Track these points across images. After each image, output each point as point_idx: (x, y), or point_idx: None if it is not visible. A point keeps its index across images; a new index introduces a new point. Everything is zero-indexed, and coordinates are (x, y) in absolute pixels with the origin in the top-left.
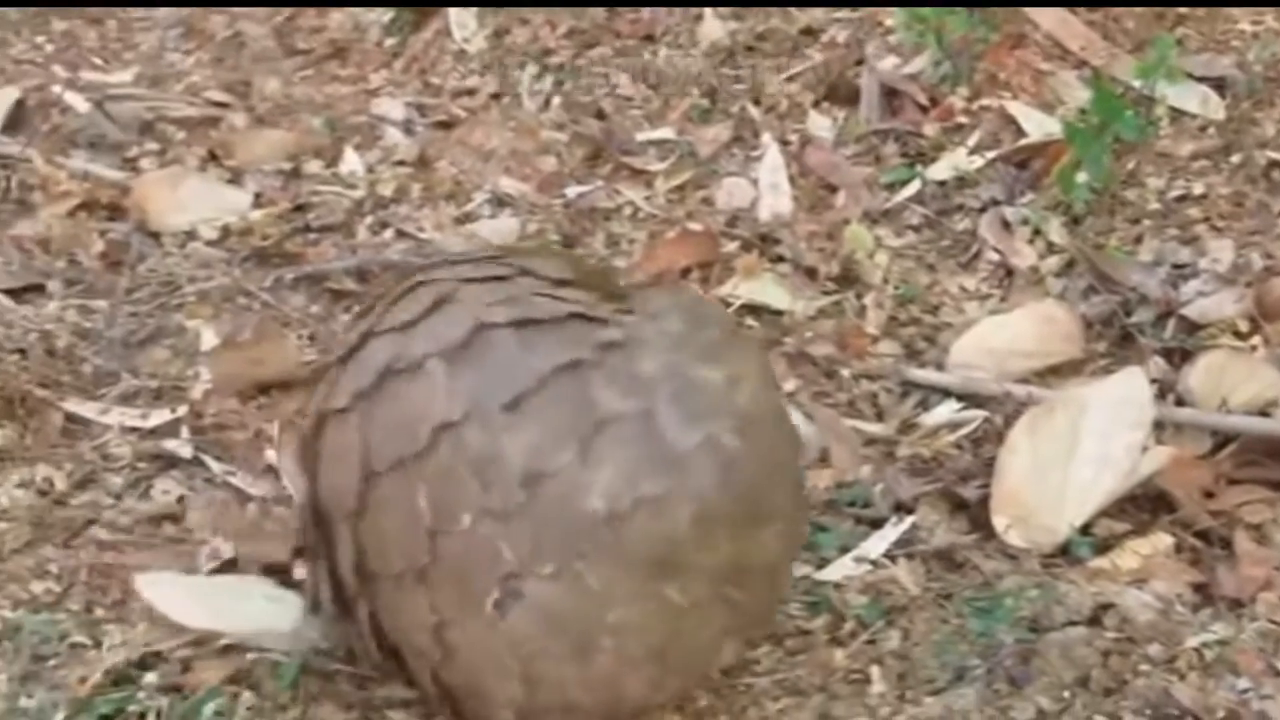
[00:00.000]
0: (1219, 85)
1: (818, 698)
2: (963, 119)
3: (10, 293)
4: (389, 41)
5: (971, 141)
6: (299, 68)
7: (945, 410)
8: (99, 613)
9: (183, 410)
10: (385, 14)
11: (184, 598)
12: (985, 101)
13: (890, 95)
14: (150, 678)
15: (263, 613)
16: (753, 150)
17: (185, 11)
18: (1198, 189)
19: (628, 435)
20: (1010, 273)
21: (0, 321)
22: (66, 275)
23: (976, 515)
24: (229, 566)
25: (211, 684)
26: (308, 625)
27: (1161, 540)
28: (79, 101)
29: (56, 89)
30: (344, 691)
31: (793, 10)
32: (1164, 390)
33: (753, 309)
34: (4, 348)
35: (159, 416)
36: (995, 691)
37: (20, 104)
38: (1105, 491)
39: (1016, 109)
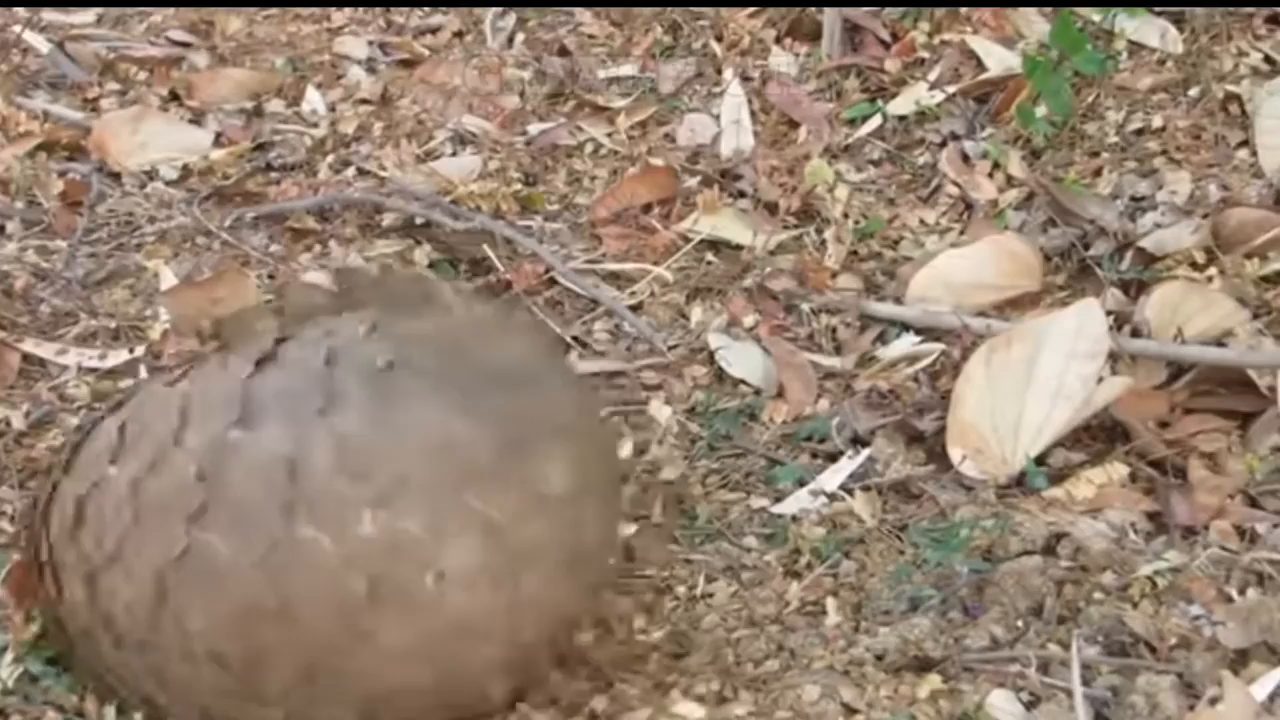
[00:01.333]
0: (1177, 19)
1: (773, 629)
2: (924, 54)
3: None
4: None
5: (932, 76)
6: (262, 7)
7: (904, 344)
8: None
9: (141, 350)
10: None
11: None
12: (946, 36)
13: (852, 31)
14: None
15: None
16: (715, 86)
17: None
18: (1156, 122)
19: None
20: (970, 206)
21: None
22: (25, 216)
23: (932, 447)
24: None
25: None
26: None
27: (1116, 470)
28: (40, 41)
29: (17, 29)
30: None
31: None
32: (1120, 321)
33: (713, 244)
34: None
35: (117, 357)
36: (949, 621)
37: None
38: (1061, 422)
39: (977, 44)
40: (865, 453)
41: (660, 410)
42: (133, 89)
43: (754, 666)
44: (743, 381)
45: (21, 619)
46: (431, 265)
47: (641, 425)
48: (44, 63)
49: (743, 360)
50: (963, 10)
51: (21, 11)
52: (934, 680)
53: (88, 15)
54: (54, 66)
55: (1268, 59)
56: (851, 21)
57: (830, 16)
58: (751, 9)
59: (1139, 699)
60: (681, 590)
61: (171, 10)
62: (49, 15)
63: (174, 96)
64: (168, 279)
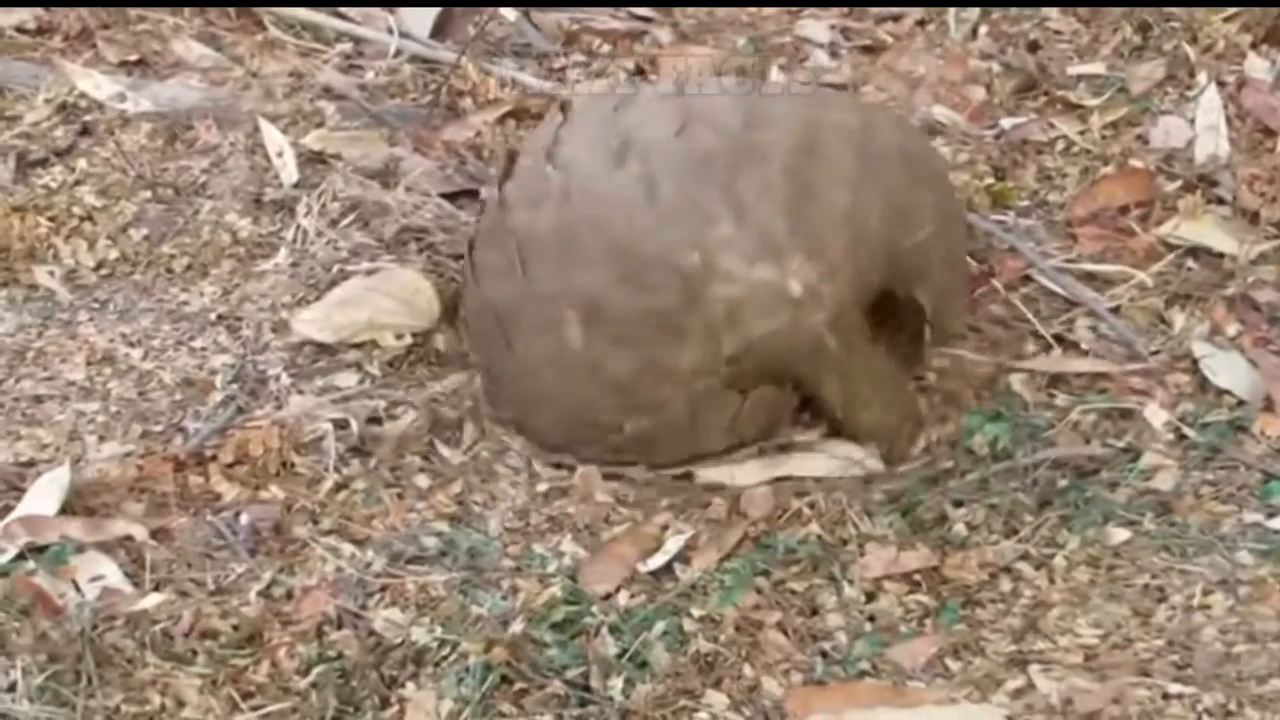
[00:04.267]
0: None
1: (1275, 646)
2: None
3: (446, 197)
4: None
5: None
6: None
7: None
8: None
9: None
10: None
11: None
12: None
13: None
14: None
15: None
16: (1187, 89)
17: None
18: None
19: None
20: None
21: (441, 227)
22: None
23: None
24: None
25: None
26: None
27: None
28: (506, 10)
29: None
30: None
31: None
32: None
33: (1192, 250)
34: (442, 253)
35: None
36: None
37: (448, 9)
38: None
39: None
40: None
41: (1156, 415)
42: (596, 61)
43: (1257, 684)
44: (1227, 392)
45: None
46: None
47: (1133, 430)
48: (508, 30)
49: (1228, 370)
50: None
51: None
52: None
53: None
54: (519, 35)
55: None
56: None
57: None
58: (1229, 11)
59: None
60: (1177, 600)
61: None
62: None
63: (639, 70)
64: None
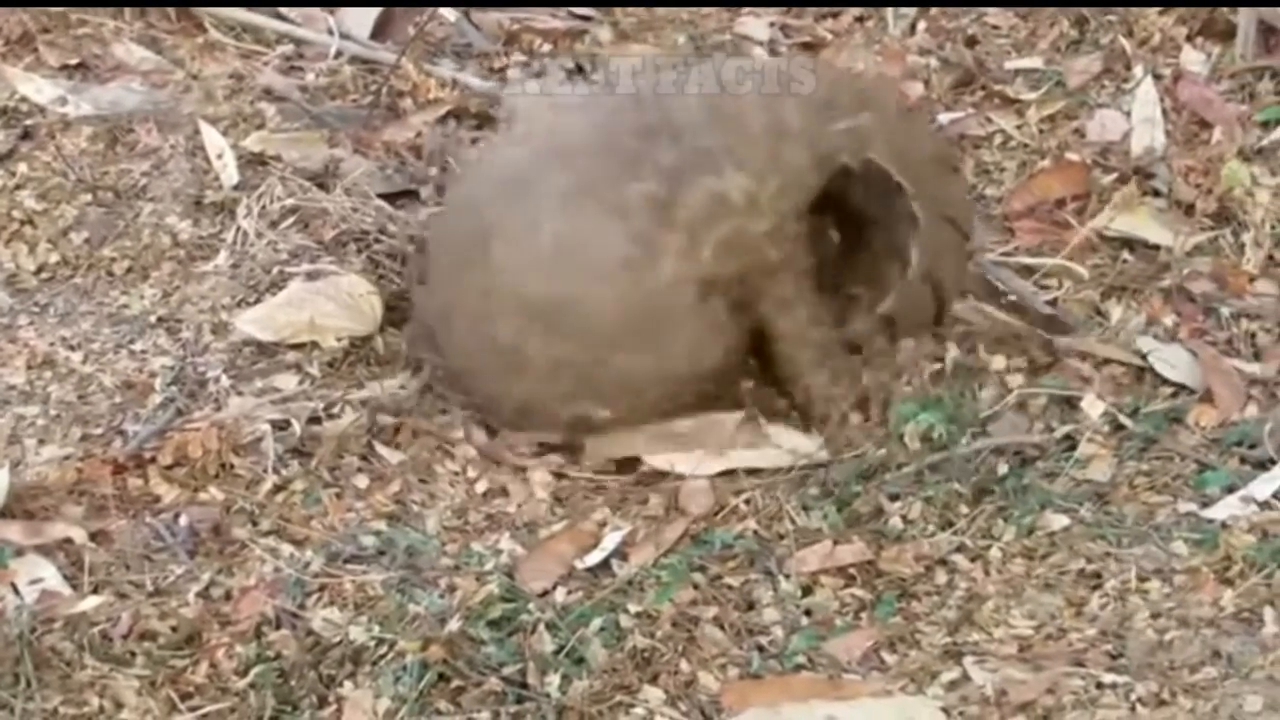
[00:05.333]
0: None
1: (1208, 632)
2: None
3: (385, 197)
4: None
5: None
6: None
7: None
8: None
9: None
10: None
11: None
12: None
13: (1267, 33)
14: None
15: None
16: (1123, 83)
17: None
18: None
19: None
20: None
21: (380, 228)
22: (440, 182)
23: None
24: None
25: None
26: None
27: None
28: (446, 10)
29: None
30: None
31: None
32: None
33: (1128, 242)
34: (381, 254)
35: None
36: None
37: (388, 10)
38: None
39: None
40: None
41: (1093, 405)
42: (537, 60)
43: (1190, 672)
44: (1165, 382)
45: (468, 590)
46: None
47: (1071, 420)
48: (449, 30)
49: (1167, 362)
50: None
51: None
52: None
53: None
54: (459, 35)
55: None
56: (1266, 23)
57: (1245, 17)
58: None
59: None
60: (1111, 589)
61: None
62: None
63: (579, 69)
64: None
